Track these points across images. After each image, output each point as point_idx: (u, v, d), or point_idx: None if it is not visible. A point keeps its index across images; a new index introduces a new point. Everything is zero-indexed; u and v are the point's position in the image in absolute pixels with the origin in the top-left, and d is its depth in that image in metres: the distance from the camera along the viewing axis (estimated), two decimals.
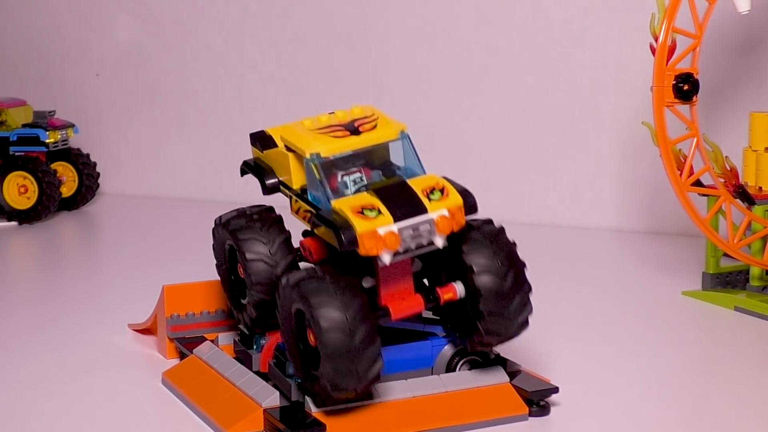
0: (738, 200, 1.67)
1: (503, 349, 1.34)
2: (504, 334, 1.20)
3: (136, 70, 2.73)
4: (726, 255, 1.70)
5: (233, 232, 1.24)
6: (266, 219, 1.24)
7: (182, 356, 1.42)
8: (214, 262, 1.32)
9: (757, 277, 1.71)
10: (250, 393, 1.22)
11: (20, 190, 2.39)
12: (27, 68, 2.85)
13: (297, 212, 1.23)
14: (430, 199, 1.13)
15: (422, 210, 1.12)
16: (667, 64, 1.58)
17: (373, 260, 1.14)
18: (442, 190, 1.15)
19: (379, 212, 1.11)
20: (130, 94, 2.75)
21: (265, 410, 1.19)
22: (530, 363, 1.34)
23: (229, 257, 1.29)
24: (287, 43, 2.54)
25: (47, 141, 2.41)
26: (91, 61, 2.78)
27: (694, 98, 1.60)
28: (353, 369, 1.10)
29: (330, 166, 1.17)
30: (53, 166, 2.46)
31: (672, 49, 1.58)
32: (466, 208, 1.15)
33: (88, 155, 2.56)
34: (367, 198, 1.13)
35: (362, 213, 1.11)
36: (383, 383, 1.21)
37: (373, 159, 1.18)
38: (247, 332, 1.30)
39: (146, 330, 1.55)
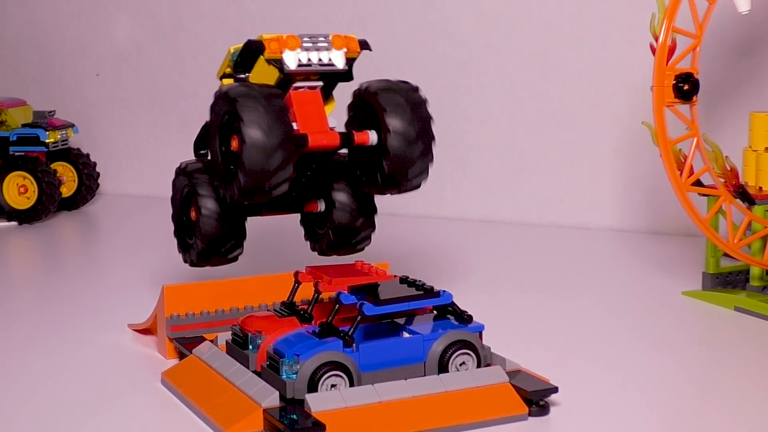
0: (738, 200, 1.67)
1: (502, 349, 1.34)
2: (405, 176, 1.39)
3: (136, 70, 2.73)
4: (726, 255, 1.70)
5: (191, 176, 1.45)
6: (272, 102, 1.33)
7: (182, 356, 1.42)
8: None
9: (757, 277, 1.71)
10: (249, 393, 1.22)
11: (20, 190, 2.40)
12: (27, 68, 2.85)
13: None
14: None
15: (321, 34, 1.34)
16: (667, 64, 1.58)
17: (287, 87, 1.33)
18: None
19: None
20: (130, 94, 2.75)
21: (264, 410, 1.19)
22: (530, 363, 1.34)
23: (183, 202, 1.49)
24: None
25: (47, 141, 2.41)
26: (91, 61, 2.78)
27: (694, 98, 1.60)
28: (263, 185, 1.28)
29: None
30: (53, 166, 2.46)
31: (672, 49, 1.58)
32: (360, 41, 1.38)
33: (88, 155, 2.56)
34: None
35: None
36: (383, 383, 1.21)
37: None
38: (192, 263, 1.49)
39: (146, 330, 1.55)
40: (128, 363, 1.46)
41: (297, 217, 1.63)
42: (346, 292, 1.28)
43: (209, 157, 1.39)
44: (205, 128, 1.48)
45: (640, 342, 1.53)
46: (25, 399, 1.33)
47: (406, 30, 2.41)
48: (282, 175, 1.28)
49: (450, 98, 2.38)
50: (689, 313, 1.67)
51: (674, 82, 1.58)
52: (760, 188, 1.70)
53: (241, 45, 1.39)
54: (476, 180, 2.39)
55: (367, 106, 1.40)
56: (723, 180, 1.68)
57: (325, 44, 1.33)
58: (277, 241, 2.21)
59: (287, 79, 1.35)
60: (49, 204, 2.38)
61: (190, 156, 1.59)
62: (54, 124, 2.47)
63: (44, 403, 1.32)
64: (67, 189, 2.52)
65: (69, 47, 2.80)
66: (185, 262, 1.53)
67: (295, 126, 1.33)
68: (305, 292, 1.38)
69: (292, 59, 1.30)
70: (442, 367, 1.26)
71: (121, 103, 2.76)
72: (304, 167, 1.42)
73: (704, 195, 1.66)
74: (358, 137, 1.36)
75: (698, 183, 1.64)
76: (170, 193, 1.58)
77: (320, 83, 1.38)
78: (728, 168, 1.69)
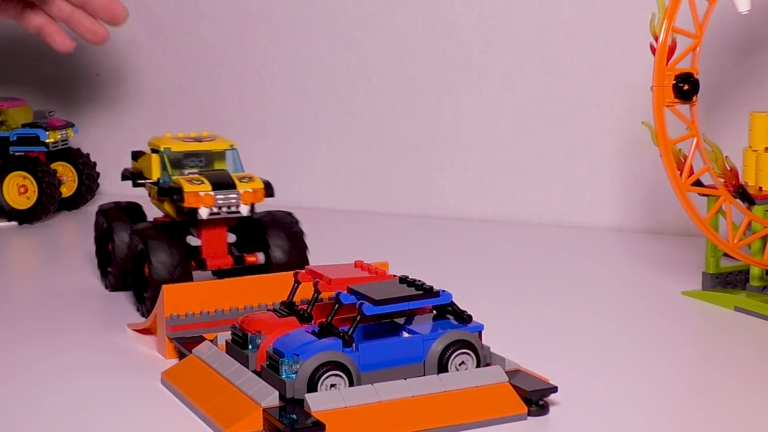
0: (738, 200, 1.67)
1: (502, 349, 1.34)
2: None
3: (136, 70, 2.73)
4: (726, 255, 1.70)
5: (109, 220, 1.81)
6: (132, 211, 1.82)
7: (182, 356, 1.42)
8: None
9: (757, 277, 1.71)
10: (249, 393, 1.22)
11: (20, 190, 2.39)
12: (27, 68, 2.85)
13: (152, 196, 1.73)
14: (240, 182, 1.65)
15: (233, 186, 1.65)
16: (667, 64, 1.58)
17: (199, 225, 1.68)
18: (250, 179, 1.67)
19: (203, 183, 1.63)
20: (130, 94, 2.75)
21: (264, 410, 1.19)
22: (529, 362, 1.34)
23: (102, 235, 1.84)
24: (287, 43, 2.54)
25: (47, 141, 2.41)
26: (91, 61, 2.78)
27: (694, 98, 1.60)
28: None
29: (178, 158, 1.70)
30: (53, 166, 2.46)
31: (672, 49, 1.58)
32: (266, 191, 1.67)
33: (88, 155, 2.56)
34: (197, 176, 1.65)
35: (191, 182, 1.63)
36: (383, 383, 1.21)
37: (211, 161, 1.72)
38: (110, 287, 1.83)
39: (146, 330, 1.55)
40: (128, 363, 1.46)
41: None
42: (346, 292, 1.28)
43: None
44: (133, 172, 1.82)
45: (639, 342, 1.53)
46: (25, 399, 1.33)
47: (406, 30, 2.41)
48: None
49: (450, 98, 2.38)
50: (689, 313, 1.67)
51: (674, 82, 1.58)
52: (760, 188, 1.70)
53: (168, 142, 1.71)
54: (476, 180, 2.39)
55: (255, 231, 1.73)
56: (723, 180, 1.68)
57: (235, 201, 1.64)
58: None
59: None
60: (49, 204, 2.38)
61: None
62: (54, 124, 2.47)
63: (44, 402, 1.32)
64: (67, 189, 2.52)
65: None
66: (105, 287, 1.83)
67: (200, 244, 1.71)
68: (305, 292, 1.38)
69: (205, 213, 1.63)
70: (442, 367, 1.26)
71: (121, 103, 2.76)
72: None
73: (704, 195, 1.66)
74: (248, 259, 1.71)
75: (698, 183, 1.64)
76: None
77: (225, 223, 1.71)
78: (728, 168, 1.69)
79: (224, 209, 1.63)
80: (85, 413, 1.28)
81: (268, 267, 1.69)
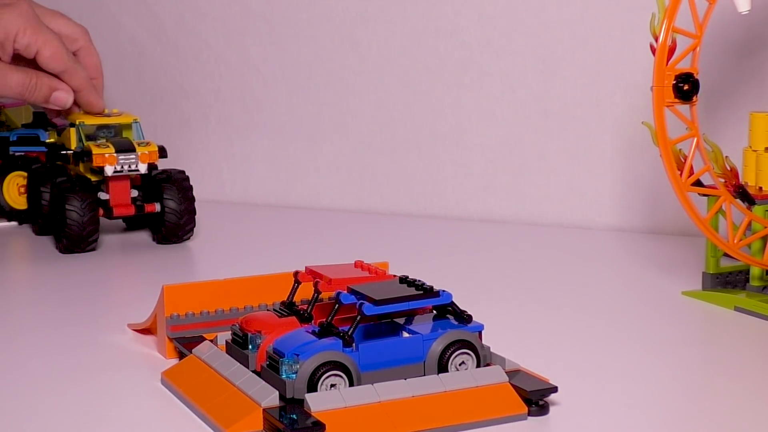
0: (738, 200, 1.67)
1: (502, 349, 1.34)
2: (176, 234, 2.16)
3: (137, 70, 2.73)
4: (726, 255, 1.70)
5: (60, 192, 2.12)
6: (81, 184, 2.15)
7: (182, 356, 1.42)
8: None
9: (757, 277, 1.71)
10: (249, 392, 1.22)
11: (20, 190, 2.39)
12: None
13: (71, 162, 2.17)
14: (139, 146, 2.09)
15: (133, 149, 2.09)
16: (667, 64, 1.58)
17: (106, 181, 2.11)
18: (147, 144, 2.10)
19: (108, 147, 2.08)
20: (131, 94, 2.75)
21: (264, 410, 1.19)
22: (530, 362, 1.34)
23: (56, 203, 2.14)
24: (287, 43, 2.54)
25: (47, 141, 2.41)
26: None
27: (694, 98, 1.60)
28: (80, 241, 2.08)
29: (90, 131, 2.16)
30: None
31: (672, 49, 1.58)
32: (160, 153, 2.12)
33: None
34: (104, 143, 2.10)
35: (98, 147, 2.08)
36: (383, 383, 1.21)
37: (119, 133, 2.19)
38: None
39: (146, 330, 1.55)
40: (128, 363, 1.46)
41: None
42: (346, 291, 1.28)
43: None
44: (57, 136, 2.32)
45: (640, 342, 1.53)
46: (25, 399, 1.33)
47: (406, 30, 2.41)
48: (93, 237, 2.10)
49: (450, 98, 2.38)
50: (689, 313, 1.67)
51: (674, 82, 1.58)
52: (760, 188, 1.70)
53: (82, 117, 2.16)
54: (477, 179, 2.39)
55: (153, 186, 2.17)
56: (723, 180, 1.68)
57: (134, 160, 2.08)
58: (277, 240, 2.21)
59: None
60: None
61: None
62: (54, 124, 2.47)
63: (44, 402, 1.32)
64: None
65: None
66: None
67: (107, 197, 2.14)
68: (305, 292, 1.38)
69: (110, 170, 2.07)
70: (442, 367, 1.26)
71: (121, 103, 2.76)
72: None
73: (704, 195, 1.66)
74: (148, 208, 2.13)
75: (698, 183, 1.64)
76: None
77: (128, 176, 2.14)
78: (728, 168, 1.69)
79: (126, 167, 2.07)
80: (85, 413, 1.28)
81: (163, 214, 2.12)
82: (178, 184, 2.15)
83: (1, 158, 2.42)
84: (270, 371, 1.24)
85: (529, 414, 1.24)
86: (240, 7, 2.58)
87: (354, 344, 1.23)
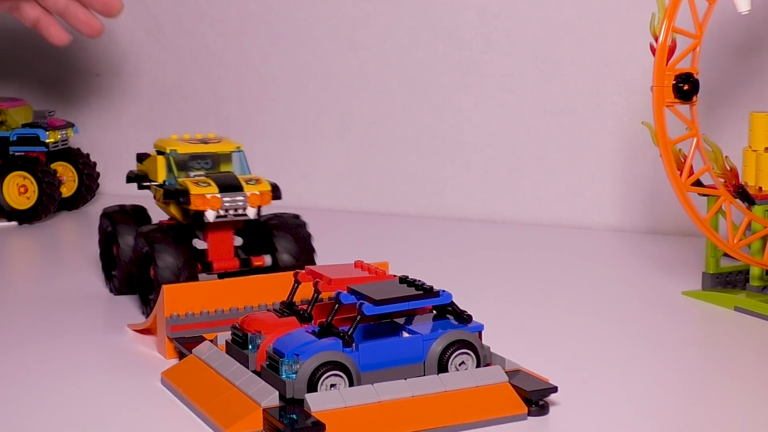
0: (738, 200, 1.67)
1: (502, 349, 1.34)
2: None
3: (136, 70, 2.73)
4: (726, 255, 1.70)
5: (113, 223, 1.79)
6: (137, 214, 1.81)
7: (182, 356, 1.42)
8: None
9: (757, 277, 1.71)
10: (249, 392, 1.22)
11: (20, 190, 2.39)
12: (27, 68, 2.85)
13: (157, 199, 1.73)
14: (247, 184, 1.64)
15: (240, 188, 1.63)
16: (667, 64, 1.58)
17: (206, 228, 1.67)
18: (257, 181, 1.65)
19: (209, 185, 1.62)
20: (130, 94, 2.75)
21: (264, 410, 1.19)
22: (530, 362, 1.34)
23: (107, 238, 1.82)
24: (287, 43, 2.54)
25: (47, 141, 2.41)
26: (91, 61, 2.78)
27: (694, 98, 1.60)
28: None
29: (183, 160, 1.69)
30: (53, 166, 2.46)
31: (672, 49, 1.58)
32: (273, 193, 1.65)
33: (88, 155, 2.56)
34: (204, 179, 1.64)
35: (197, 185, 1.62)
36: (383, 383, 1.21)
37: (217, 164, 1.72)
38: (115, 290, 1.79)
39: (146, 330, 1.55)
40: (128, 363, 1.46)
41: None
42: (346, 291, 1.28)
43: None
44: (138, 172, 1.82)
45: (639, 342, 1.53)
46: (26, 399, 1.33)
47: (406, 30, 2.41)
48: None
49: (450, 98, 2.38)
50: (689, 313, 1.67)
51: (674, 82, 1.58)
52: (760, 188, 1.70)
53: (174, 144, 1.70)
54: (476, 180, 2.39)
55: (261, 233, 1.72)
56: (723, 180, 1.68)
57: (242, 203, 1.63)
58: None
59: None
60: (49, 204, 2.38)
61: None
62: (54, 124, 2.47)
63: (44, 402, 1.32)
64: (67, 189, 2.52)
65: (69, 47, 2.80)
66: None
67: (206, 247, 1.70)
68: (305, 292, 1.38)
69: (211, 216, 1.62)
70: (442, 367, 1.26)
71: (121, 103, 2.76)
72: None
73: (704, 195, 1.66)
74: (255, 261, 1.69)
75: (698, 183, 1.64)
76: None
77: (232, 226, 1.70)
78: (728, 168, 1.69)
79: (231, 212, 1.62)
80: (85, 413, 1.28)
81: (275, 270, 1.67)
82: (294, 232, 1.71)
83: (1, 158, 2.42)
84: (270, 371, 1.24)
85: (529, 414, 1.24)
86: (239, 7, 2.58)
87: (354, 344, 1.23)
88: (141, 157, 1.80)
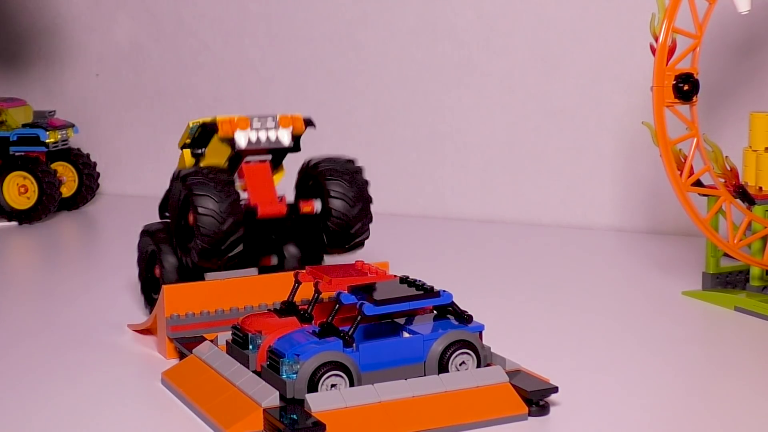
0: (738, 200, 1.67)
1: (503, 349, 1.34)
2: (342, 247, 1.58)
3: (136, 70, 2.73)
4: (726, 255, 1.70)
5: (156, 242, 1.58)
6: (219, 179, 1.50)
7: (182, 356, 1.42)
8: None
9: (757, 277, 1.71)
10: (249, 393, 1.22)
11: (20, 190, 2.39)
12: (27, 68, 2.85)
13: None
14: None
15: (269, 115, 1.49)
16: (667, 64, 1.58)
17: (239, 162, 1.51)
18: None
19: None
20: (130, 94, 2.75)
21: (264, 410, 1.19)
22: (530, 363, 1.34)
23: (182, 206, 1.53)
24: (287, 43, 2.54)
25: (47, 141, 2.41)
26: (91, 61, 2.78)
27: (694, 98, 1.60)
28: (218, 248, 1.46)
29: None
30: (53, 166, 2.46)
31: (672, 49, 1.58)
32: (305, 120, 1.52)
33: (88, 155, 2.56)
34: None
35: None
36: (383, 383, 1.21)
37: None
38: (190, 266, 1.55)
39: (146, 330, 1.55)
40: (128, 363, 1.46)
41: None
42: (346, 292, 1.28)
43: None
44: (168, 194, 1.61)
45: (640, 342, 1.53)
46: (25, 399, 1.33)
47: (406, 30, 2.41)
48: (234, 241, 1.47)
49: (450, 98, 2.38)
50: (689, 313, 1.67)
51: (674, 82, 1.58)
52: (760, 188, 1.70)
53: (199, 120, 1.55)
54: (476, 180, 2.39)
55: (312, 178, 1.58)
56: (723, 180, 1.68)
57: (273, 124, 1.50)
58: None
59: (239, 154, 1.53)
60: (49, 204, 2.38)
61: None
62: (54, 124, 2.47)
63: (44, 402, 1.32)
64: (67, 189, 2.52)
65: (69, 47, 2.80)
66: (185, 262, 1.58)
67: (245, 196, 1.52)
68: (305, 292, 1.38)
69: (242, 139, 1.48)
70: (442, 367, 1.26)
71: (121, 103, 2.76)
72: (257, 232, 1.56)
73: (704, 195, 1.66)
74: (303, 206, 1.54)
75: (698, 183, 1.64)
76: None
77: (269, 156, 1.54)
78: (728, 168, 1.69)
79: (263, 139, 1.49)
80: (85, 413, 1.28)
81: (326, 217, 1.53)
82: (350, 177, 1.56)
83: (1, 158, 2.42)
84: (270, 371, 1.24)
85: (530, 414, 1.24)
86: (238, 7, 2.58)
87: (354, 344, 1.23)
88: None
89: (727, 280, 1.75)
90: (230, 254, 1.48)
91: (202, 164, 1.57)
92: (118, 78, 2.75)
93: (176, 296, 1.45)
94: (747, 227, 1.66)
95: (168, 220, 1.59)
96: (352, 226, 1.55)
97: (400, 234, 2.27)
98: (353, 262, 1.41)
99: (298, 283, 1.38)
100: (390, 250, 2.08)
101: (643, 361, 1.45)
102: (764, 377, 1.39)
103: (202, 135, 1.55)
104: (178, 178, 1.50)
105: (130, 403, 1.32)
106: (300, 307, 1.36)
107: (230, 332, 1.36)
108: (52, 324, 1.66)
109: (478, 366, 1.28)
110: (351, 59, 2.47)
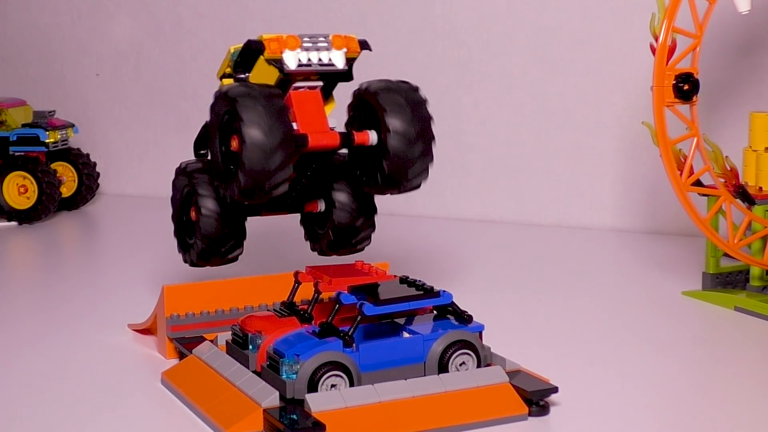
0: (738, 200, 1.67)
1: (503, 349, 1.34)
2: (405, 176, 1.39)
3: (136, 70, 2.73)
4: (726, 255, 1.70)
5: (191, 175, 1.45)
6: (272, 100, 1.31)
7: (182, 356, 1.42)
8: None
9: (757, 277, 1.71)
10: (249, 393, 1.22)
11: (20, 190, 2.40)
12: (27, 68, 2.85)
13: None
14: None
15: (321, 33, 1.33)
16: (667, 64, 1.58)
17: (287, 87, 1.33)
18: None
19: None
20: (130, 94, 2.75)
21: (264, 410, 1.19)
22: (530, 363, 1.34)
23: (183, 202, 1.47)
24: None
25: (47, 141, 2.41)
26: (91, 61, 2.78)
27: (694, 98, 1.60)
28: (263, 185, 1.29)
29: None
30: (53, 166, 2.46)
31: (672, 49, 1.58)
32: (360, 41, 1.37)
33: (88, 155, 2.56)
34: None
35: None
36: (383, 383, 1.21)
37: None
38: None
39: (146, 330, 1.55)
40: (128, 363, 1.46)
41: (297, 216, 1.63)
42: (346, 292, 1.28)
43: (209, 157, 1.40)
44: (205, 128, 1.49)
45: (640, 342, 1.53)
46: (25, 399, 1.33)
47: (406, 30, 2.41)
48: (282, 175, 1.30)
49: (450, 98, 2.38)
50: (689, 313, 1.67)
51: (674, 82, 1.58)
52: (760, 188, 1.70)
53: (241, 45, 1.39)
54: (476, 180, 2.39)
55: (367, 106, 1.41)
56: (723, 180, 1.68)
57: (325, 44, 1.34)
58: (277, 241, 2.21)
59: (287, 79, 1.36)
60: (49, 204, 2.38)
61: (190, 156, 1.60)
62: (54, 124, 2.47)
63: (44, 403, 1.32)
64: (67, 189, 2.52)
65: (69, 47, 2.80)
66: (185, 262, 1.55)
67: (294, 126, 1.34)
68: (305, 292, 1.38)
69: (292, 59, 1.32)
70: (442, 367, 1.26)
71: (121, 103, 2.76)
72: (303, 167, 1.42)
73: (704, 195, 1.66)
74: (358, 137, 1.37)
75: (698, 183, 1.64)
76: (170, 193, 1.58)
77: (320, 83, 1.39)
78: (728, 168, 1.69)
79: (314, 60, 1.33)
80: (86, 413, 1.28)
81: (384, 146, 1.36)
82: (413, 108, 1.38)
83: (1, 158, 2.42)
84: (270, 371, 1.24)
85: (530, 414, 1.24)
86: (238, 7, 2.58)
87: (354, 344, 1.23)
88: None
89: (727, 280, 1.75)
90: (275, 192, 1.31)
91: None
92: (118, 78, 2.75)
93: (176, 296, 1.45)
94: (747, 227, 1.66)
95: (205, 158, 1.46)
96: (410, 166, 1.38)
97: (400, 234, 2.27)
98: (353, 262, 1.41)
99: (298, 283, 1.38)
100: (390, 250, 2.08)
101: (643, 361, 1.45)
102: (764, 377, 1.39)
103: (245, 56, 1.37)
104: (221, 94, 1.33)
105: (130, 403, 1.32)
106: (300, 307, 1.36)
107: (230, 332, 1.35)
108: (52, 324, 1.65)
109: (478, 366, 1.28)
110: None
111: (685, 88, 1.59)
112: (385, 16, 2.42)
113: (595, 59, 2.23)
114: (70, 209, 2.54)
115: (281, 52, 1.32)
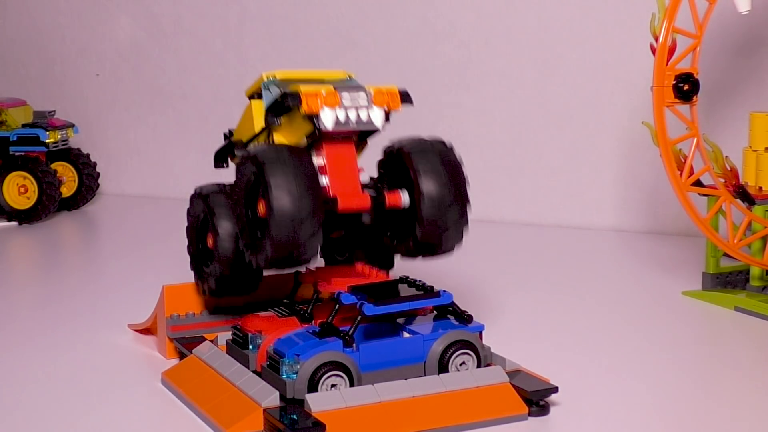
0: (738, 200, 1.67)
1: (503, 349, 1.34)
2: (439, 243, 1.29)
3: (136, 70, 2.73)
4: (726, 255, 1.70)
5: (210, 207, 1.36)
6: (302, 168, 1.23)
7: (182, 356, 1.42)
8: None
9: (757, 277, 1.71)
10: (249, 393, 1.22)
11: (20, 190, 2.40)
12: (27, 68, 2.85)
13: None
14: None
15: (362, 88, 1.25)
16: (667, 64, 1.58)
17: (320, 141, 1.25)
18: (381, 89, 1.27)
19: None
20: (130, 94, 2.75)
21: (264, 410, 1.19)
22: (530, 363, 1.34)
23: (200, 228, 1.40)
24: (287, 43, 2.54)
25: (47, 141, 2.41)
26: (91, 61, 2.78)
27: (694, 98, 1.60)
28: (291, 256, 1.21)
29: (286, 83, 1.29)
30: (53, 166, 2.46)
31: (672, 49, 1.58)
32: (401, 94, 1.27)
33: (88, 155, 2.56)
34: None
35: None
36: (383, 383, 1.21)
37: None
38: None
39: (146, 330, 1.55)
40: (128, 363, 1.46)
41: None
42: (346, 292, 1.28)
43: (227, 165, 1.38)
44: (228, 140, 1.44)
45: (640, 342, 1.53)
46: (25, 398, 1.33)
47: (406, 30, 2.41)
48: (311, 246, 1.21)
49: (450, 98, 2.38)
50: (689, 313, 1.67)
51: (674, 82, 1.58)
52: (760, 188, 1.70)
53: (274, 73, 1.33)
54: (476, 180, 2.38)
55: (399, 164, 1.31)
56: (723, 180, 1.68)
57: (365, 102, 1.25)
58: None
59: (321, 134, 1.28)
60: (49, 204, 2.38)
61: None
62: (54, 124, 2.47)
63: (44, 402, 1.32)
64: (67, 189, 2.52)
65: (69, 47, 2.80)
66: (203, 293, 1.43)
67: (324, 180, 1.27)
68: (305, 292, 1.38)
69: (329, 118, 1.23)
70: (442, 367, 1.26)
71: (121, 103, 2.76)
72: (330, 225, 1.30)
73: (704, 195, 1.66)
74: (389, 199, 1.28)
75: (698, 183, 1.64)
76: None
77: (355, 136, 1.30)
78: (728, 168, 1.69)
79: (353, 118, 1.24)
80: (86, 413, 1.28)
81: (415, 208, 1.27)
82: (441, 156, 1.29)
83: (1, 158, 2.42)
84: (270, 371, 1.24)
85: (530, 414, 1.24)
86: (238, 7, 2.58)
87: (354, 344, 1.23)
88: (230, 132, 1.49)
89: (727, 280, 1.75)
90: (304, 262, 1.24)
91: (275, 139, 1.31)
92: (118, 78, 2.75)
93: (176, 296, 1.45)
94: (747, 227, 1.66)
95: (224, 186, 1.39)
96: (444, 232, 1.29)
97: None
98: (353, 264, 1.41)
99: (298, 283, 1.38)
100: None
101: (643, 361, 1.45)
102: (764, 377, 1.39)
103: (279, 106, 1.28)
104: (250, 156, 1.23)
105: (130, 403, 1.32)
106: (300, 307, 1.36)
107: (230, 332, 1.35)
108: (52, 324, 1.65)
109: (478, 366, 1.28)
110: (349, 60, 2.47)
111: (685, 88, 1.59)
112: (386, 16, 2.42)
113: (595, 59, 2.23)
114: (70, 209, 2.54)
115: (319, 110, 1.23)
